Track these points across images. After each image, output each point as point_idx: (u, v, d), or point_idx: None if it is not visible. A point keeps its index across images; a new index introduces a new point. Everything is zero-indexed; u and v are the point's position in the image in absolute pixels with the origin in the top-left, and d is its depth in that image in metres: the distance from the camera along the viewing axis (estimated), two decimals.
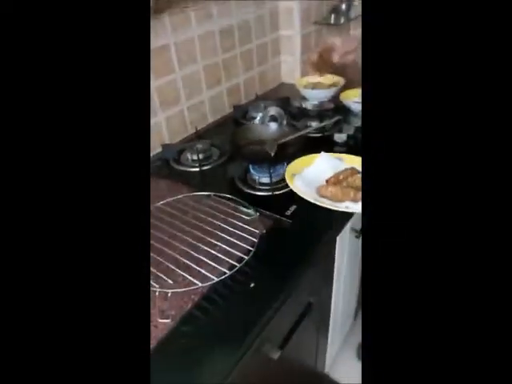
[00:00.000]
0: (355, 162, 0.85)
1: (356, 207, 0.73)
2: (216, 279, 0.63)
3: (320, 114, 1.20)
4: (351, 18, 1.52)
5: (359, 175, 0.80)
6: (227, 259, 0.67)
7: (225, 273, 0.64)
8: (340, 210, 0.74)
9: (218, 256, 0.68)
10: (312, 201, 0.74)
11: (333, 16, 1.50)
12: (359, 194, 0.74)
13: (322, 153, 0.89)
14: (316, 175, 0.82)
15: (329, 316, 1.09)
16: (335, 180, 0.80)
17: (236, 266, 0.65)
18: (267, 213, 0.81)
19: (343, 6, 1.51)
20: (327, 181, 0.81)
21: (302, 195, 0.75)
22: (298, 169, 0.84)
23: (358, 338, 1.44)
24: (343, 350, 1.41)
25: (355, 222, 0.95)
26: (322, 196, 0.76)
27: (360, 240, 1.02)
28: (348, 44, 0.79)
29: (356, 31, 0.74)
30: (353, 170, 0.81)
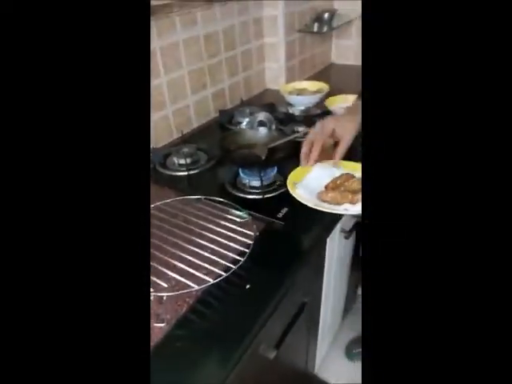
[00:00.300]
0: (350, 167, 0.87)
1: (354, 209, 0.76)
2: (211, 281, 0.62)
3: (307, 119, 1.21)
4: (334, 27, 1.55)
5: (355, 179, 0.82)
6: (222, 261, 0.66)
7: (220, 275, 0.63)
8: (340, 212, 0.76)
9: (211, 258, 0.67)
10: (314, 206, 0.75)
11: (316, 24, 1.53)
12: (356, 197, 0.76)
13: (321, 163, 0.88)
14: (315, 182, 0.84)
15: (319, 316, 1.10)
16: (333, 185, 0.82)
17: (231, 269, 0.64)
18: (259, 215, 0.81)
19: (326, 15, 1.54)
20: (326, 186, 0.83)
21: (304, 202, 0.77)
22: (298, 177, 0.85)
23: (346, 337, 1.46)
24: (332, 350, 1.42)
25: (345, 223, 0.96)
26: (323, 201, 0.78)
27: (349, 240, 1.03)
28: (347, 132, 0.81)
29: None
30: (348, 175, 0.84)
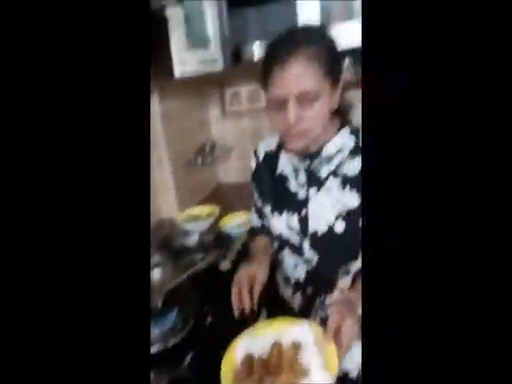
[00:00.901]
0: (274, 328, 0.72)
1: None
2: None
3: (203, 246, 1.25)
4: (216, 157, 1.70)
5: (284, 348, 0.67)
6: None
7: None
8: None
9: None
10: None
11: (199, 157, 1.66)
12: (303, 367, 0.62)
13: (240, 340, 0.72)
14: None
15: None
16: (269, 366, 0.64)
17: None
18: (162, 370, 0.76)
19: (208, 147, 1.70)
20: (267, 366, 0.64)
21: None
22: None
23: None
24: None
25: None
26: None
27: None
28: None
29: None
30: (279, 346, 0.67)
